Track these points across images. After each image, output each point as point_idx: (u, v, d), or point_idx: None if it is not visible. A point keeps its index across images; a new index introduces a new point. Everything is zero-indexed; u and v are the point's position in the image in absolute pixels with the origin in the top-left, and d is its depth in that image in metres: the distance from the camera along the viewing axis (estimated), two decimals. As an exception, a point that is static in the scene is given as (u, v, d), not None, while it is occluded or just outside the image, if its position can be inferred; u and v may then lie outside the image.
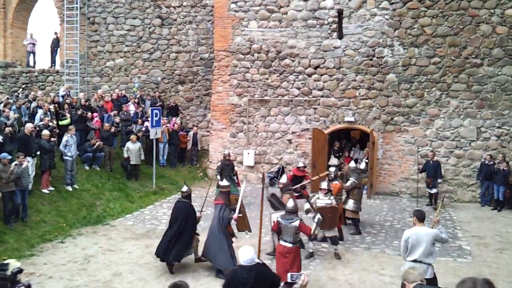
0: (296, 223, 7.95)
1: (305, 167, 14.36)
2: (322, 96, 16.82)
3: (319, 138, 16.24)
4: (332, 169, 12.19)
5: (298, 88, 17.10)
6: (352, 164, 12.94)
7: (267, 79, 17.46)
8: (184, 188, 9.31)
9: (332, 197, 10.42)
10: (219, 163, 14.54)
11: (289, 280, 5.12)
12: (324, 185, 10.46)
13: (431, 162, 14.58)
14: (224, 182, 9.08)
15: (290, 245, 7.91)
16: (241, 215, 9.42)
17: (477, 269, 9.29)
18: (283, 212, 8.47)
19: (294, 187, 13.47)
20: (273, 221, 9.08)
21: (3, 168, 10.53)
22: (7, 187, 10.59)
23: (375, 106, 16.27)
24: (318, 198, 10.39)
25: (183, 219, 8.99)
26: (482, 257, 10.12)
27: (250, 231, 9.75)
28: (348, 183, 11.69)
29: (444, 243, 7.65)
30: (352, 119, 16.46)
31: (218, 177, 14.15)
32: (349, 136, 19.51)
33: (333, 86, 16.65)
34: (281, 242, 8.06)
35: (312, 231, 8.24)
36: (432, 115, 15.73)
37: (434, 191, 14.57)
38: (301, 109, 17.12)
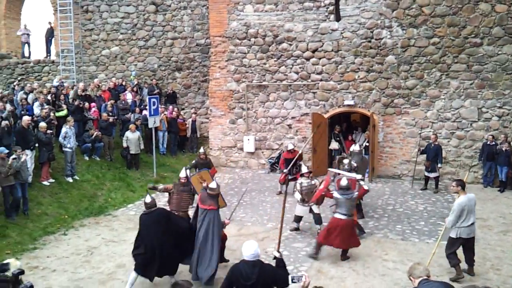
0: (355, 194, 9.19)
1: (294, 148, 14.36)
2: (321, 80, 16.65)
3: (319, 122, 16.12)
4: (346, 161, 11.63)
5: (297, 73, 16.91)
6: (353, 147, 12.95)
7: (264, 64, 17.26)
8: (148, 199, 7.87)
9: (315, 179, 10.53)
10: (194, 161, 13.74)
11: (290, 283, 5.06)
12: (304, 169, 10.85)
13: (433, 145, 14.36)
14: (213, 185, 8.16)
15: (345, 217, 8.89)
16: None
17: (481, 253, 9.22)
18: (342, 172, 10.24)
19: (287, 169, 13.50)
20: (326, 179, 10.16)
21: (1, 162, 10.43)
22: (6, 181, 10.51)
23: (375, 89, 16.10)
24: (301, 183, 10.56)
25: (164, 233, 7.68)
26: (486, 240, 10.07)
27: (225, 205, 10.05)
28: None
29: None
30: (351, 102, 16.30)
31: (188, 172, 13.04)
32: (349, 119, 19.40)
33: (331, 69, 16.47)
34: (337, 216, 8.99)
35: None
36: (432, 97, 15.57)
37: (433, 175, 14.32)
38: (300, 94, 16.97)
